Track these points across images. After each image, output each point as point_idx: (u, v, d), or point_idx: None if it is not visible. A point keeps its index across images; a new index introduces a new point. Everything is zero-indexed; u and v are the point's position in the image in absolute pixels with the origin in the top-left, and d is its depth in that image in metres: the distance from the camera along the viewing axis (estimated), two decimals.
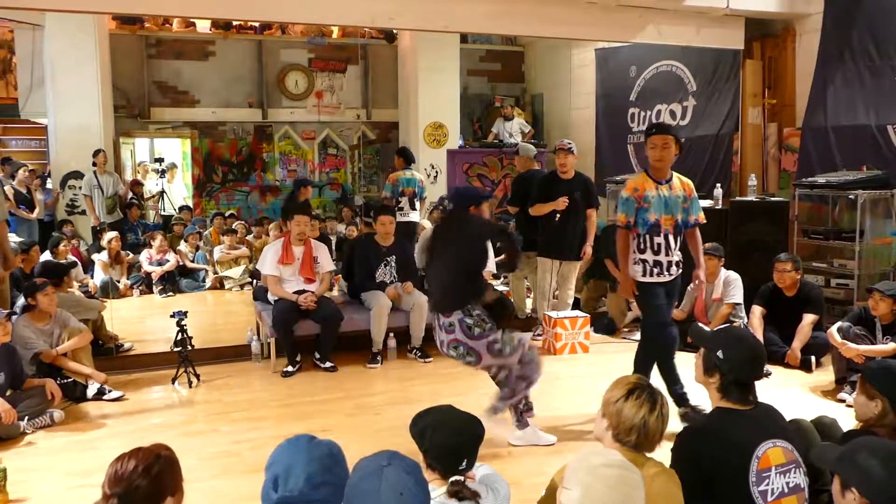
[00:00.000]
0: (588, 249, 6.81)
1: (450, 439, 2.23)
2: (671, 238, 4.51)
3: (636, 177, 4.66)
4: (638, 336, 6.86)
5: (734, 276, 6.28)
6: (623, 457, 2.04)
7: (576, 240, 6.66)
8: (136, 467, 1.96)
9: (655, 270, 4.52)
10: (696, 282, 4.88)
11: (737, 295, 6.18)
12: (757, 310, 5.92)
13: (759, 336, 5.58)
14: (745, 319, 6.11)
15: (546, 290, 6.78)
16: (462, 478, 2.19)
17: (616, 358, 6.30)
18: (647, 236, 4.48)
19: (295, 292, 5.93)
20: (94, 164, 9.77)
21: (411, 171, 8.63)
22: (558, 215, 6.51)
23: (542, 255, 6.77)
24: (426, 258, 4.42)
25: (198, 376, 5.59)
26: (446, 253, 4.14)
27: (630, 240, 4.54)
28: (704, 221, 4.71)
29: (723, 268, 6.31)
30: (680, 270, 4.64)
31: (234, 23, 11.85)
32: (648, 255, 4.51)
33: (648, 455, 2.36)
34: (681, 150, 4.55)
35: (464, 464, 2.21)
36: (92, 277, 8.73)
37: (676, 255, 4.57)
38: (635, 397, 2.32)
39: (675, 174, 4.58)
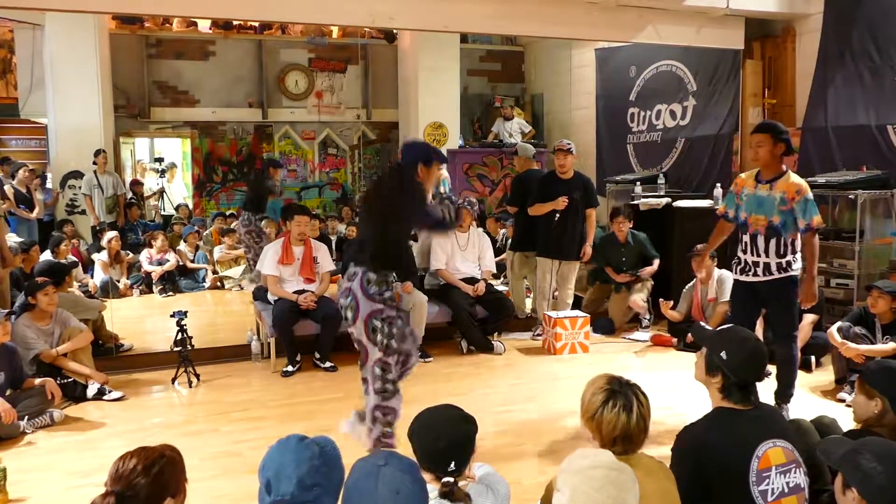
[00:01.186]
0: (588, 250, 6.81)
1: (432, 442, 2.21)
2: (760, 239, 4.37)
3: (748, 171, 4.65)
4: (637, 336, 6.93)
5: (727, 275, 6.26)
6: (613, 457, 2.04)
7: (575, 240, 6.66)
8: (136, 466, 1.97)
9: (739, 267, 4.55)
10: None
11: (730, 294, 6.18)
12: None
13: (760, 336, 5.57)
14: None
15: (546, 290, 6.78)
16: (453, 479, 2.16)
17: (616, 358, 6.31)
18: (740, 234, 4.55)
19: (295, 292, 5.93)
20: (95, 164, 9.78)
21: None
22: (558, 215, 6.52)
23: (541, 255, 6.78)
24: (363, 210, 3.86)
25: (198, 376, 5.59)
26: (376, 209, 3.73)
27: (726, 230, 4.72)
28: (820, 225, 4.33)
29: (716, 268, 6.34)
30: (773, 274, 4.37)
31: (235, 22, 11.85)
32: (739, 253, 4.56)
33: (641, 451, 2.35)
34: (787, 148, 4.34)
35: (451, 465, 2.17)
36: (92, 277, 8.74)
37: (766, 258, 4.36)
38: (611, 406, 2.28)
39: (788, 175, 4.34)
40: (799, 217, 4.26)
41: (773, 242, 4.34)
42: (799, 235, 4.34)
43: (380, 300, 3.61)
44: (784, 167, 4.39)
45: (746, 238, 4.45)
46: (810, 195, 4.29)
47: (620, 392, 2.31)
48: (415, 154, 3.77)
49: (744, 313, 4.56)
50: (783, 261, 4.36)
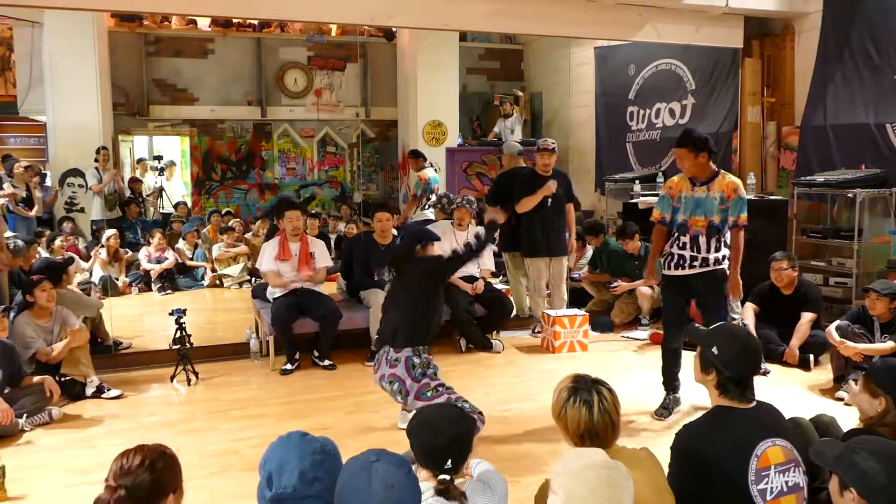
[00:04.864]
0: (573, 243, 6.84)
1: (430, 439, 2.22)
2: (702, 239, 4.50)
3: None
4: (636, 334, 6.93)
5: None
6: (606, 457, 2.04)
7: (561, 234, 6.67)
8: (143, 461, 1.98)
9: (672, 262, 4.66)
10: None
11: None
12: (749, 307, 5.95)
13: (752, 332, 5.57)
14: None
15: (542, 288, 6.78)
16: (449, 476, 2.16)
17: (614, 356, 6.31)
18: (677, 234, 4.63)
19: (293, 290, 5.92)
20: (96, 161, 9.79)
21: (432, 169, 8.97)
22: (550, 200, 6.50)
23: (529, 255, 6.77)
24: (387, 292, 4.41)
25: (196, 374, 5.59)
26: (402, 290, 4.18)
27: (664, 234, 4.78)
28: (745, 223, 4.48)
29: None
30: (708, 266, 4.53)
31: (234, 20, 11.84)
32: (674, 249, 4.65)
33: (621, 445, 2.36)
34: (710, 153, 4.44)
35: (448, 463, 2.17)
36: (90, 275, 8.73)
37: (705, 254, 4.52)
38: (572, 403, 2.32)
39: (723, 176, 4.49)
40: (730, 214, 4.45)
41: (713, 241, 4.51)
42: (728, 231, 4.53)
43: (425, 377, 3.98)
44: (714, 168, 4.52)
45: (686, 238, 4.56)
46: (744, 194, 4.47)
47: (583, 388, 2.34)
48: (411, 237, 4.36)
49: (673, 305, 4.79)
50: (719, 255, 4.55)
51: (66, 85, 9.93)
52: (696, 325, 4.26)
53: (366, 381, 5.63)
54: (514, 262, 7.20)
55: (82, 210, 10.11)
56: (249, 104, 12.26)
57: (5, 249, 5.94)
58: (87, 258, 9.16)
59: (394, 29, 11.90)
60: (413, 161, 9.56)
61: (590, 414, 2.29)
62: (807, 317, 5.73)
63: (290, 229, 6.04)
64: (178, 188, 12.34)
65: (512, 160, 7.31)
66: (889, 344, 4.87)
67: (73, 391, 5.13)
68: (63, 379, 5.06)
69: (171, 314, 5.60)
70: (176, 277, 9.30)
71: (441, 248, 6.48)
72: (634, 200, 8.12)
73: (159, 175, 11.83)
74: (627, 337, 6.90)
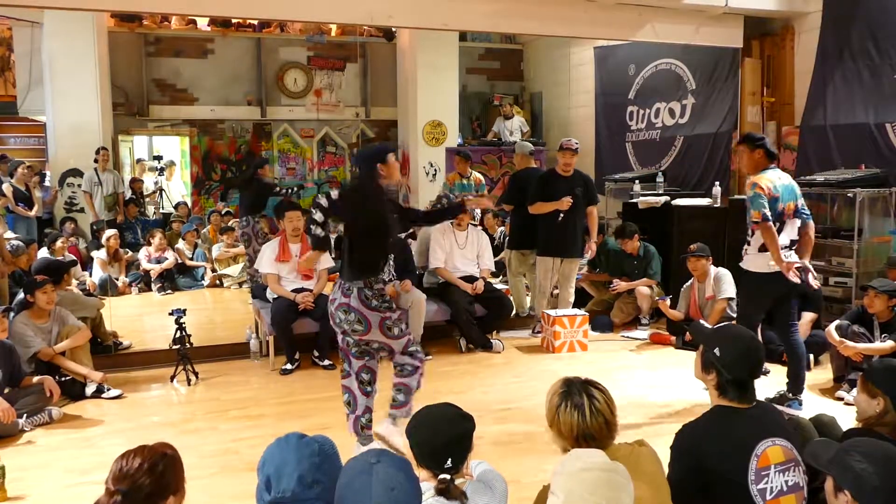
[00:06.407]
0: (593, 247, 6.82)
1: (428, 438, 2.22)
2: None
3: None
4: (636, 334, 6.93)
5: (724, 272, 6.33)
6: (606, 457, 2.04)
7: (577, 237, 6.66)
8: (142, 465, 1.97)
9: None
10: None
11: (729, 290, 6.21)
12: None
13: (757, 334, 5.56)
14: None
15: (546, 288, 6.78)
16: (449, 476, 2.16)
17: (614, 356, 6.31)
18: None
19: (293, 290, 5.92)
20: (96, 161, 9.78)
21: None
22: (562, 215, 6.50)
23: (541, 254, 6.76)
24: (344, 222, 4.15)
25: (196, 374, 5.60)
26: (356, 223, 3.97)
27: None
28: (755, 219, 4.59)
29: (712, 265, 6.36)
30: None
31: (233, 20, 11.83)
32: None
33: (620, 443, 2.36)
34: (753, 148, 4.67)
35: (448, 462, 2.17)
36: (90, 275, 8.74)
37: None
38: (563, 408, 2.30)
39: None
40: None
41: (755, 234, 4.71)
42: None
43: (385, 309, 3.94)
44: (767, 164, 4.66)
45: None
46: (751, 192, 4.58)
47: (574, 392, 2.33)
48: (369, 159, 3.98)
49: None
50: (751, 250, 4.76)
51: (66, 85, 9.94)
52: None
53: None
54: (517, 261, 7.20)
55: (82, 210, 10.11)
56: (249, 104, 12.26)
57: (6, 251, 5.93)
58: (87, 259, 9.16)
59: (394, 29, 11.89)
60: (463, 161, 9.03)
61: (582, 417, 2.27)
62: (807, 317, 5.74)
63: (290, 230, 6.03)
64: (177, 188, 12.34)
65: (524, 160, 7.36)
66: (888, 343, 4.87)
67: (73, 391, 5.13)
68: (63, 379, 5.06)
69: (170, 314, 5.61)
70: (176, 277, 9.30)
71: (442, 248, 6.54)
72: (634, 200, 8.12)
73: (159, 175, 11.83)
74: (627, 337, 6.91)
